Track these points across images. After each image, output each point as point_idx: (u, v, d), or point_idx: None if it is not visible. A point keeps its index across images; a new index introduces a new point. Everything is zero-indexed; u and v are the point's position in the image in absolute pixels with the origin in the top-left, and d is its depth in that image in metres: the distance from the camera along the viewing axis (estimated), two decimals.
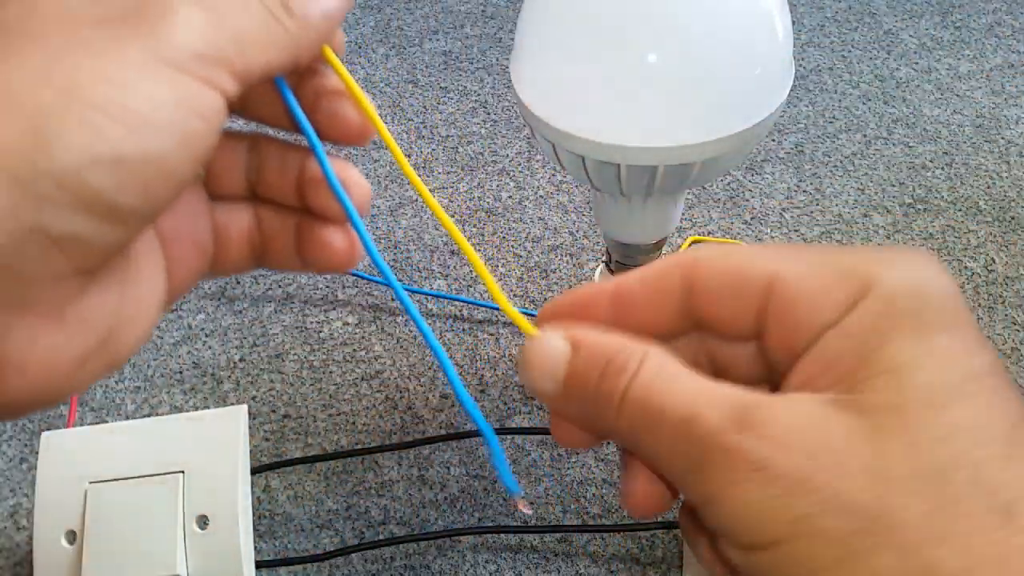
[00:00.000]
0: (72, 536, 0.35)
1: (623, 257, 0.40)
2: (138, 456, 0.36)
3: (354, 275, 0.53)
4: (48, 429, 0.38)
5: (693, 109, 0.31)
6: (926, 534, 0.17)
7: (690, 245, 0.53)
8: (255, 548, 0.42)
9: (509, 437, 0.45)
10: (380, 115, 0.67)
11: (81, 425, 0.47)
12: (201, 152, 0.20)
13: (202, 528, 0.34)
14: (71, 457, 0.36)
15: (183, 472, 0.35)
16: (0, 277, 0.18)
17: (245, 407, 0.37)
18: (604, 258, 0.42)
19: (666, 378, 0.20)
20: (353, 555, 0.41)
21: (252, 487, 0.44)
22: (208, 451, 0.35)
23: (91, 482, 0.35)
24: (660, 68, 0.30)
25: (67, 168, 0.17)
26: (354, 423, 0.46)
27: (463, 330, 0.50)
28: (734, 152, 0.32)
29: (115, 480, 0.35)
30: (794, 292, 0.20)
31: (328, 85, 0.23)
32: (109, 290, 0.20)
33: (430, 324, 0.51)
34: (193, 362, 0.50)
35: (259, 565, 0.41)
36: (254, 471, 0.44)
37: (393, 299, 0.52)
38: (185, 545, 0.34)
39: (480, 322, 0.51)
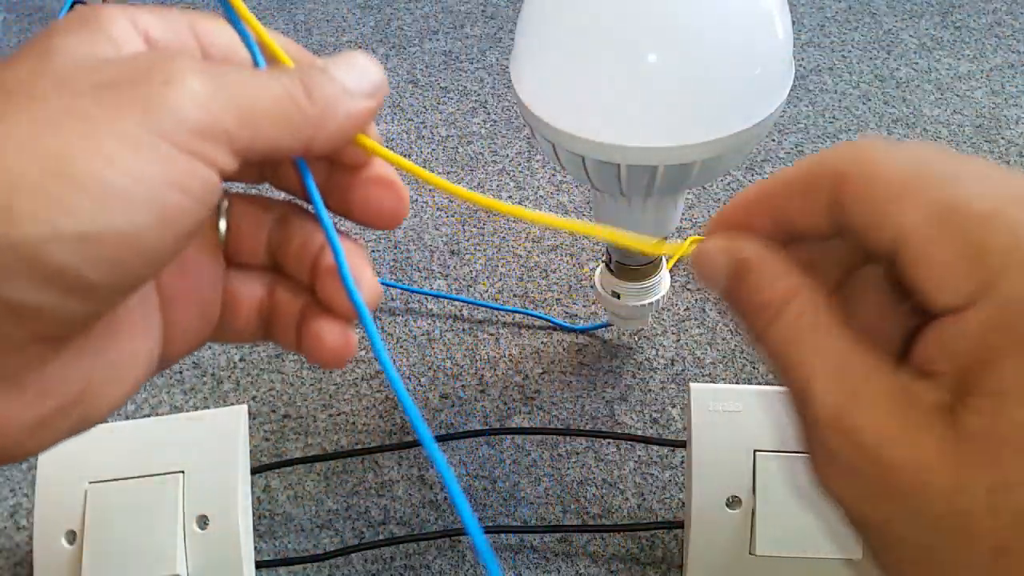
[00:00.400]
0: (72, 536, 0.35)
1: (623, 257, 0.40)
2: (138, 456, 0.36)
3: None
4: None
5: (693, 109, 0.31)
6: (991, 573, 0.18)
7: (690, 245, 0.53)
8: (255, 548, 0.42)
9: (509, 437, 0.45)
10: (380, 115, 0.67)
11: None
12: (186, 228, 0.19)
13: (202, 528, 0.34)
14: (71, 457, 0.36)
15: (183, 472, 0.35)
16: None
17: (245, 407, 0.37)
18: (604, 258, 0.42)
19: (799, 333, 0.21)
20: (353, 555, 0.41)
21: (252, 487, 0.44)
22: (208, 451, 0.35)
23: (91, 482, 0.35)
24: (660, 68, 0.30)
25: (29, 241, 0.17)
26: (354, 423, 0.46)
27: (463, 330, 0.50)
28: (734, 152, 0.32)
29: (115, 480, 0.35)
30: (920, 260, 0.19)
31: (363, 175, 0.23)
32: (80, 357, 0.20)
33: (430, 324, 0.51)
34: (193, 362, 0.50)
35: (259, 565, 0.41)
36: (254, 471, 0.44)
37: (393, 299, 0.52)
38: (185, 545, 0.34)
39: (480, 322, 0.51)
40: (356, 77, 0.21)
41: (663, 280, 0.42)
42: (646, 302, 0.42)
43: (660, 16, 0.30)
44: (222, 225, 0.24)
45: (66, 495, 0.35)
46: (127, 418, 0.47)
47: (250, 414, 0.47)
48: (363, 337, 0.53)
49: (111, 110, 0.18)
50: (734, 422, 0.35)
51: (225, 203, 0.23)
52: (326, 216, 0.22)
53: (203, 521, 0.34)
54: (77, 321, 0.19)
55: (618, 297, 0.42)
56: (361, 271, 0.23)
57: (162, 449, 0.35)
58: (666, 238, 0.40)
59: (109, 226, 0.17)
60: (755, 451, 0.35)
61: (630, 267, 0.40)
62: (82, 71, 0.18)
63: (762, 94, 0.32)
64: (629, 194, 0.35)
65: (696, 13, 0.30)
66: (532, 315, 0.50)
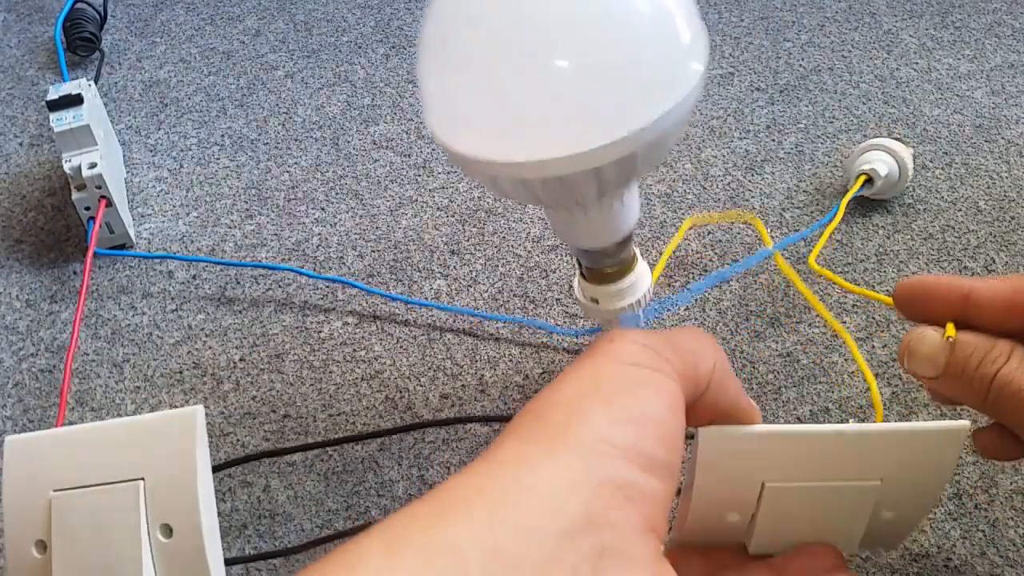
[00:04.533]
0: (42, 546, 0.33)
1: (592, 263, 0.39)
2: (99, 462, 0.34)
3: (352, 285, 0.53)
4: (41, 427, 0.37)
5: (576, 115, 0.29)
6: None
7: (688, 228, 0.52)
8: (255, 548, 0.42)
9: None
10: (380, 114, 0.67)
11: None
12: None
13: (167, 537, 0.33)
14: (34, 465, 0.34)
15: (143, 479, 0.34)
16: None
17: (200, 408, 0.35)
18: (578, 268, 0.41)
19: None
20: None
21: (252, 487, 0.44)
22: (165, 458, 0.34)
23: (55, 490, 0.34)
24: (539, 79, 0.28)
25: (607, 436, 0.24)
26: (354, 423, 0.46)
27: (463, 330, 0.50)
28: (645, 149, 0.30)
29: (78, 488, 0.34)
30: None
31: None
32: None
33: (430, 323, 0.51)
34: (193, 362, 0.50)
35: (257, 557, 0.41)
36: (248, 459, 0.44)
37: (392, 301, 0.52)
38: (152, 555, 0.33)
39: (481, 322, 0.51)
40: None
41: (640, 280, 0.40)
42: (626, 303, 0.40)
43: (534, 25, 0.29)
44: None
45: (32, 504, 0.34)
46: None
47: (250, 414, 0.47)
48: (362, 338, 0.53)
49: None
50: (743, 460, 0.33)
51: None
52: None
53: (167, 530, 0.33)
54: (662, 503, 0.24)
55: (597, 303, 0.40)
56: None
57: (122, 455, 0.34)
58: (631, 236, 0.38)
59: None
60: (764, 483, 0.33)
61: (602, 271, 0.39)
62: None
63: (652, 86, 0.29)
64: (554, 205, 0.33)
65: (574, 14, 0.29)
66: (527, 323, 0.50)
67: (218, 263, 0.55)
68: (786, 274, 0.49)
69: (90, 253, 0.52)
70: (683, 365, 0.27)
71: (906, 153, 0.54)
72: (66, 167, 0.53)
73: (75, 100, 0.54)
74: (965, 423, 0.31)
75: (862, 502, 0.33)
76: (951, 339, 0.31)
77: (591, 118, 0.29)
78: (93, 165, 0.52)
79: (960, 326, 0.32)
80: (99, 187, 0.53)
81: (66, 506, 0.34)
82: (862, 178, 0.54)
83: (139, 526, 0.33)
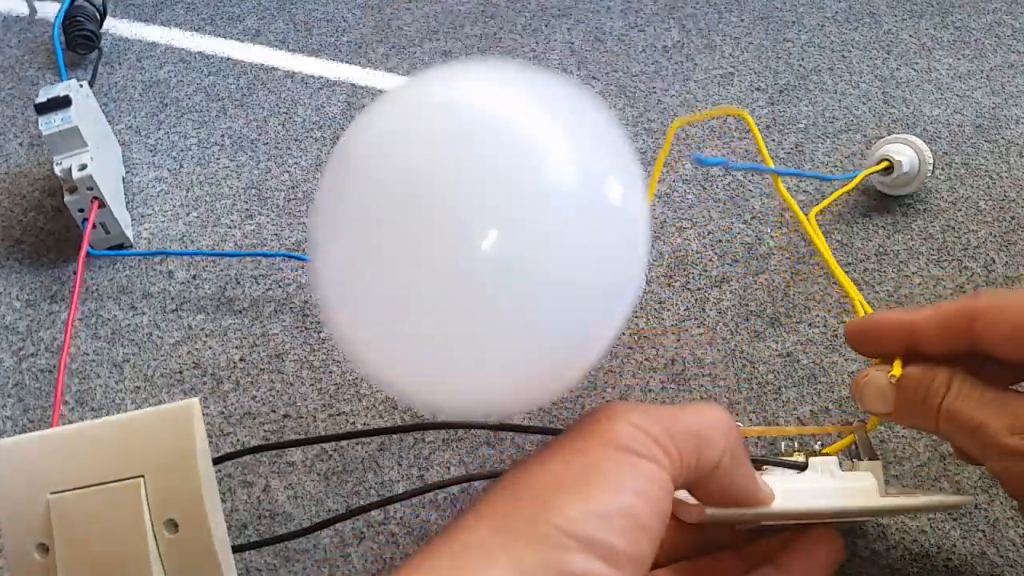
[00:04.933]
0: (44, 549, 0.33)
1: None
2: (96, 462, 0.34)
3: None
4: (41, 428, 0.37)
5: (535, 370, 0.26)
6: None
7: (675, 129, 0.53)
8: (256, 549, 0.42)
9: (509, 436, 0.45)
10: None
11: None
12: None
13: (172, 532, 0.33)
14: (28, 466, 0.34)
15: (143, 476, 0.33)
16: None
17: (196, 400, 0.34)
18: None
19: (965, 395, 0.31)
20: (353, 554, 0.41)
21: (251, 487, 0.44)
22: (164, 452, 0.34)
23: (52, 493, 0.33)
24: (476, 330, 0.25)
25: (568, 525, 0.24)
26: (354, 423, 0.46)
27: None
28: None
29: (76, 489, 0.33)
30: None
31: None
32: None
33: None
34: (193, 362, 0.50)
35: (265, 543, 0.41)
36: (243, 453, 0.44)
37: None
38: (159, 550, 0.33)
39: None
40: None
41: None
42: None
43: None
44: None
45: (29, 508, 0.33)
46: None
47: (250, 414, 0.47)
48: None
49: None
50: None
51: None
52: None
53: (172, 525, 0.33)
54: None
55: None
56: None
57: (118, 453, 0.34)
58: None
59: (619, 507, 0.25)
60: None
61: None
62: None
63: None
64: None
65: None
66: None
67: (215, 255, 0.55)
68: (784, 200, 0.49)
69: (82, 254, 0.52)
70: (681, 451, 0.27)
71: (930, 157, 0.54)
72: (57, 170, 0.52)
73: (63, 102, 0.54)
74: (969, 500, 0.36)
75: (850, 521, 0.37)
76: (895, 378, 0.33)
77: (549, 370, 0.26)
78: (83, 167, 0.52)
79: (911, 355, 0.34)
80: (90, 188, 0.52)
81: (65, 508, 0.33)
82: (884, 163, 0.54)
83: (143, 524, 0.33)
